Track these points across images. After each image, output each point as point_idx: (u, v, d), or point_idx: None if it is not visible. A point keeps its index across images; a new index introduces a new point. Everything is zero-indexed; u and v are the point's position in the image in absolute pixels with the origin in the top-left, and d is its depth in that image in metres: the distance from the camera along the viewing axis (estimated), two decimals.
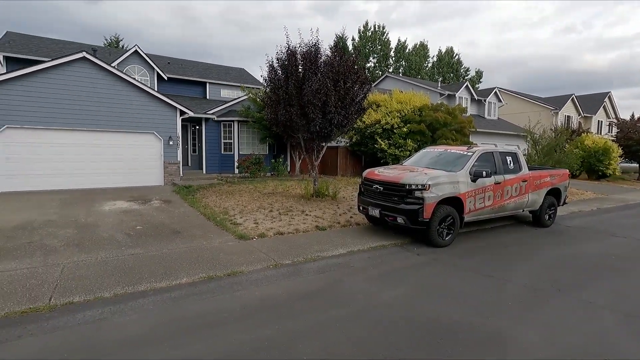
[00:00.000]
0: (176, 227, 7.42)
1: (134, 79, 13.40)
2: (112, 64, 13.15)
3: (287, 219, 8.28)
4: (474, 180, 6.98)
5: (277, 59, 10.04)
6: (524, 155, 12.19)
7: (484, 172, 6.99)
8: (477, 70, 55.81)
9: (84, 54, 11.99)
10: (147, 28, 69.19)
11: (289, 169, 19.08)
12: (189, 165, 18.16)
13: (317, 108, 9.36)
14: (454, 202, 6.78)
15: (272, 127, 12.66)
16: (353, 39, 49.80)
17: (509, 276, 5.21)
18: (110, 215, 8.31)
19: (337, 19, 79.05)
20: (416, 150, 18.25)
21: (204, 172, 17.11)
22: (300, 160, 18.61)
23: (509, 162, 8.02)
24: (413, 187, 6.43)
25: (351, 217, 8.76)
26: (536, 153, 21.16)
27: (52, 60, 11.62)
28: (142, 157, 13.50)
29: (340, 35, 41.46)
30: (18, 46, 15.81)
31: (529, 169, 8.56)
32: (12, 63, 14.89)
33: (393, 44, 51.54)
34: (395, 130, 17.72)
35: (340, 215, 8.89)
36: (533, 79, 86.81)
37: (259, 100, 17.02)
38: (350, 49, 44.65)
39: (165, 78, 18.65)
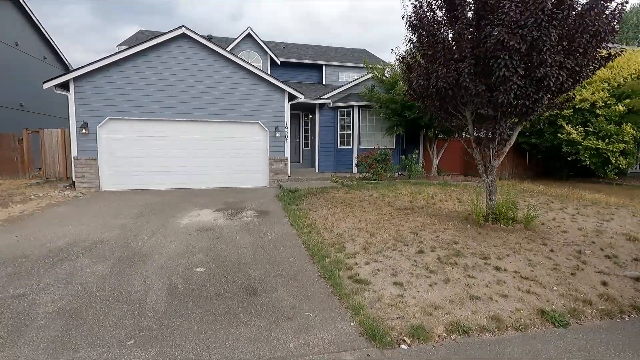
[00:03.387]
0: (256, 274, 4.18)
1: (235, 55, 11.11)
2: (226, 50, 11.23)
3: (459, 276, 4.13)
4: None
5: None
6: None
7: None
8: None
9: (183, 29, 10.10)
10: (278, 36, 75.07)
11: (422, 167, 14.59)
12: (300, 162, 15.50)
13: (515, 56, 4.86)
14: None
15: (414, 103, 8.72)
16: None
17: None
18: (180, 236, 5.68)
19: None
20: (635, 140, 11.59)
21: (317, 170, 14.13)
22: (439, 157, 13.92)
23: None
24: None
25: (604, 282, 4.06)
26: None
27: (149, 40, 10.03)
28: (245, 152, 11.16)
29: None
30: (140, 40, 15.60)
31: None
32: None
33: None
34: (598, 111, 11.45)
35: (572, 274, 4.25)
36: None
37: (386, 78, 13.08)
38: None
39: (279, 62, 16.40)
